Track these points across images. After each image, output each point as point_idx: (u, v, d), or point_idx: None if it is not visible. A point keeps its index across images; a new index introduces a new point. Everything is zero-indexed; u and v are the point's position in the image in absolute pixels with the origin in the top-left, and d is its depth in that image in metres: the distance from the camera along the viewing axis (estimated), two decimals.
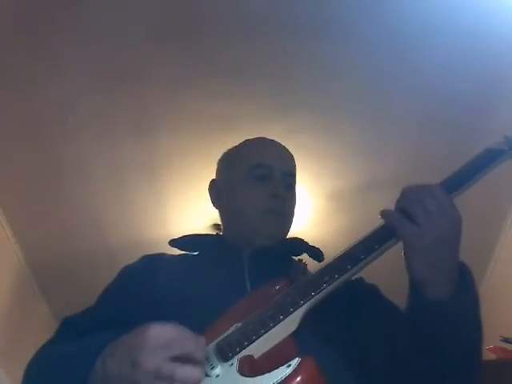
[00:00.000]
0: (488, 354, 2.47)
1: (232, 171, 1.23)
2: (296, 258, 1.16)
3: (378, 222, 0.99)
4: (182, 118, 2.68)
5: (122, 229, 3.30)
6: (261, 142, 1.27)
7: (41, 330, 3.65)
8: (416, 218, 0.87)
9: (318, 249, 1.19)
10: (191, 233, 1.26)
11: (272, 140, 1.27)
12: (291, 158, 1.25)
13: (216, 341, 0.88)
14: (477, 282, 0.97)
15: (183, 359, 0.77)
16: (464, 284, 0.91)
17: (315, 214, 3.19)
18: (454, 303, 0.87)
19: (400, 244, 0.92)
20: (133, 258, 1.21)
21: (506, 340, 2.38)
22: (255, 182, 1.17)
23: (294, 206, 1.21)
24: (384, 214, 0.91)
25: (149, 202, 3.14)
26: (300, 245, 1.21)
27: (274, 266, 1.06)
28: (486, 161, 1.03)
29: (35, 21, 2.19)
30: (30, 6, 2.14)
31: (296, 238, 1.22)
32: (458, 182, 0.97)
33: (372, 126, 2.74)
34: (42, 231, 3.28)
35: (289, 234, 1.24)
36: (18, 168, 2.89)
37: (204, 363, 0.80)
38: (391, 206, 0.99)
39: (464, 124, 2.61)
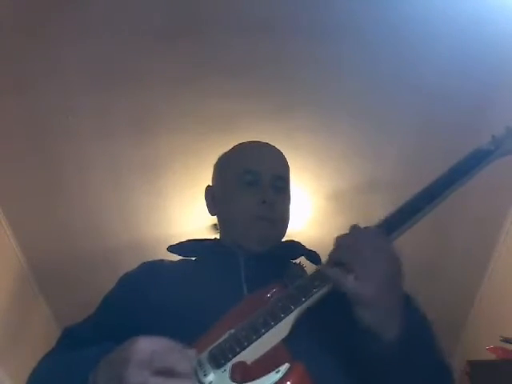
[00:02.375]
0: (488, 354, 2.48)
1: (223, 178, 1.24)
2: (294, 261, 1.16)
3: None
4: (182, 117, 2.68)
5: (121, 229, 3.30)
6: (250, 146, 1.26)
7: (41, 330, 3.65)
8: (355, 271, 0.85)
9: (315, 252, 1.18)
10: (191, 235, 1.27)
11: (262, 143, 1.27)
12: (282, 160, 1.24)
13: (210, 348, 0.89)
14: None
15: (170, 373, 0.77)
16: (410, 317, 0.89)
17: (315, 214, 3.19)
18: (404, 339, 0.86)
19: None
20: (133, 258, 1.21)
21: (506, 340, 2.39)
22: (244, 189, 1.17)
23: (286, 209, 1.20)
24: (322, 269, 0.89)
25: (149, 202, 3.14)
26: (296, 248, 1.21)
27: (270, 270, 1.06)
28: (475, 162, 1.02)
29: (35, 21, 2.19)
30: (30, 5, 2.14)
31: (292, 240, 1.23)
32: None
33: (372, 126, 2.74)
34: (42, 231, 3.28)
35: (289, 234, 1.24)
36: (18, 168, 2.89)
37: (192, 376, 0.80)
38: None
39: (464, 124, 2.61)
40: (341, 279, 0.86)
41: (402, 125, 2.70)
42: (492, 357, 2.45)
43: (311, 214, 3.19)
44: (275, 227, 1.17)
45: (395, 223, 0.95)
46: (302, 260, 1.16)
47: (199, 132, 2.73)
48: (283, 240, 1.22)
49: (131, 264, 1.21)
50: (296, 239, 1.24)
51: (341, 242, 0.89)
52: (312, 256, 1.17)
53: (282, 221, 1.19)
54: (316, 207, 3.17)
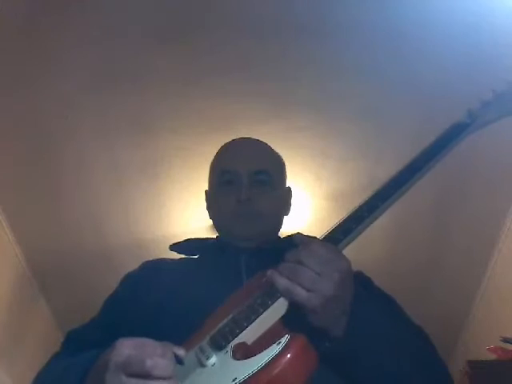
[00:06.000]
0: (488, 354, 2.48)
1: (210, 181, 1.29)
2: None
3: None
4: (181, 117, 2.68)
5: (121, 229, 3.30)
6: (228, 146, 1.29)
7: (41, 330, 3.65)
8: (303, 284, 0.85)
9: None
10: (191, 235, 1.28)
11: (241, 140, 1.29)
12: (262, 153, 1.26)
13: (210, 334, 0.90)
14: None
15: (146, 376, 0.78)
16: (358, 313, 0.92)
17: (315, 214, 3.19)
18: (353, 333, 0.89)
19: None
20: (133, 258, 1.22)
21: (506, 340, 2.39)
22: (223, 189, 1.21)
23: (272, 201, 1.21)
24: (272, 277, 0.89)
25: (149, 202, 3.14)
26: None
27: (271, 266, 1.06)
28: (451, 135, 1.10)
29: (35, 20, 2.19)
30: (30, 5, 2.14)
31: (294, 234, 1.23)
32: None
33: (372, 126, 2.74)
34: (42, 231, 3.28)
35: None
36: (18, 168, 2.89)
37: (172, 378, 0.80)
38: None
39: None
40: (290, 291, 0.86)
41: (402, 125, 2.70)
42: (492, 357, 2.44)
43: (311, 214, 3.19)
44: (259, 221, 1.18)
45: (345, 230, 0.95)
46: None
47: (199, 132, 2.73)
48: (285, 234, 1.23)
49: (131, 264, 1.21)
50: None
51: (288, 257, 0.90)
52: None
53: (268, 213, 1.19)
54: (316, 207, 3.17)
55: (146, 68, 2.43)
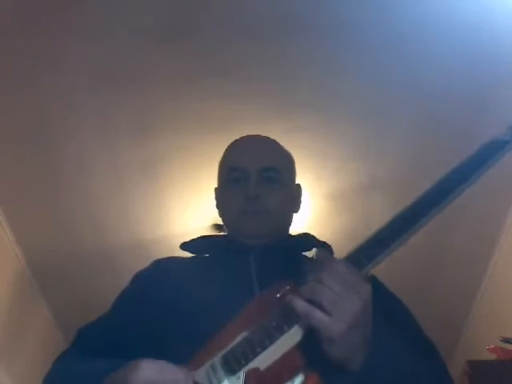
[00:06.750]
0: (488, 354, 2.48)
1: (218, 178, 1.28)
2: (306, 255, 1.16)
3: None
4: (181, 117, 2.68)
5: (121, 229, 3.30)
6: (237, 143, 1.28)
7: (41, 330, 3.65)
8: (325, 307, 0.82)
9: (327, 243, 1.18)
10: (191, 235, 1.27)
11: (251, 137, 1.28)
12: (270, 150, 1.24)
13: (223, 352, 0.88)
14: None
15: None
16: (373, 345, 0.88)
17: (315, 214, 3.19)
18: (369, 368, 0.86)
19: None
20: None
21: (506, 340, 2.39)
22: (231, 186, 1.20)
23: (280, 198, 1.19)
24: (292, 302, 0.85)
25: (149, 202, 3.14)
26: (307, 240, 1.20)
27: (281, 264, 1.06)
28: (490, 153, 0.99)
29: (36, 20, 2.19)
30: (31, 5, 2.14)
31: (304, 233, 1.22)
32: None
33: (372, 126, 2.74)
34: (42, 231, 3.27)
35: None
36: (18, 168, 2.89)
37: None
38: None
39: (464, 124, 2.61)
40: (310, 315, 0.83)
41: (401, 125, 2.70)
42: (492, 357, 2.45)
43: (311, 214, 3.19)
44: (267, 219, 1.16)
45: (370, 254, 0.90)
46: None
47: (199, 132, 2.73)
48: (294, 233, 1.23)
49: (131, 264, 1.21)
50: None
51: (312, 278, 0.87)
52: (324, 248, 1.15)
53: (276, 211, 1.18)
54: (316, 207, 3.17)
55: (146, 68, 2.43)
